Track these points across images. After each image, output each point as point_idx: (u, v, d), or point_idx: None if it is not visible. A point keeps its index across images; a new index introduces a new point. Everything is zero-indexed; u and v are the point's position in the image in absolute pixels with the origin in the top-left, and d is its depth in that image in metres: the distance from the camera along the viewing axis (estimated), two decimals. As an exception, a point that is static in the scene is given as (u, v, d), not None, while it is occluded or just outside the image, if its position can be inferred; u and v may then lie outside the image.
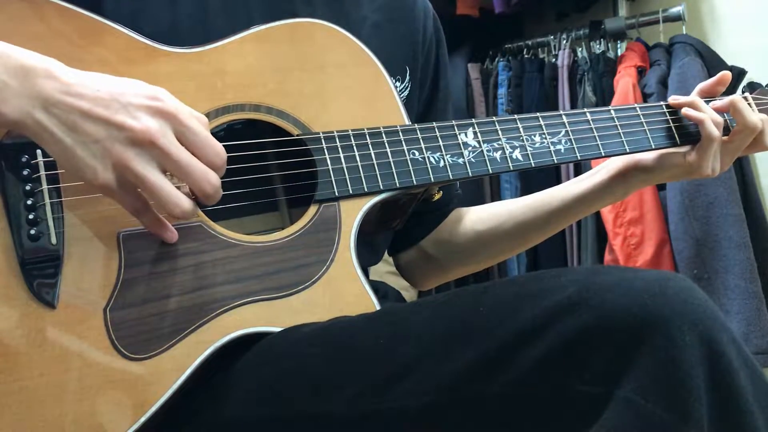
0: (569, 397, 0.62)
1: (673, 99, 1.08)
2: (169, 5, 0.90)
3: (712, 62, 2.14)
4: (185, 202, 0.72)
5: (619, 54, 2.30)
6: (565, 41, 2.42)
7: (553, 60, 2.43)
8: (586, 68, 2.32)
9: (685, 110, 1.06)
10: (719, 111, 1.07)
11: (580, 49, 2.39)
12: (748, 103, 1.12)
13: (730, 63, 2.16)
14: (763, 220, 2.12)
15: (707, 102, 1.09)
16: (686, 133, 1.07)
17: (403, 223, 1.02)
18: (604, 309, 0.62)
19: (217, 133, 0.86)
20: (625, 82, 2.16)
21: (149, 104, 0.71)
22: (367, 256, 1.05)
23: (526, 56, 2.53)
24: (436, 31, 1.13)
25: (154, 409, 0.75)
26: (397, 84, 1.04)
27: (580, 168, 2.30)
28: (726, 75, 1.11)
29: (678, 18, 2.23)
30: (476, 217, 1.17)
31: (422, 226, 1.15)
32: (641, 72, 2.20)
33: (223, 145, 0.83)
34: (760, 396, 0.61)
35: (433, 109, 1.13)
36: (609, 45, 2.36)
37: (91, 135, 0.69)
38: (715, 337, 0.61)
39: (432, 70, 1.12)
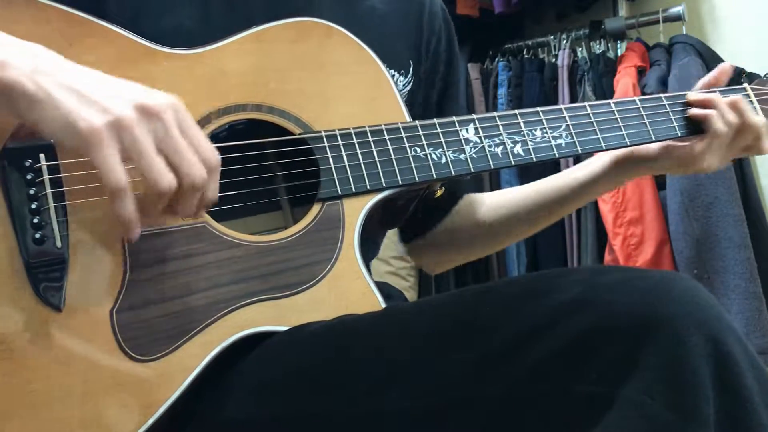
0: (574, 397, 0.62)
1: (693, 95, 1.07)
2: (171, 6, 0.90)
3: (712, 62, 2.14)
4: (171, 177, 0.70)
5: (619, 54, 2.30)
6: (565, 41, 2.43)
7: (553, 60, 2.43)
8: (586, 68, 2.32)
9: (691, 110, 1.06)
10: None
11: (580, 49, 2.39)
12: (747, 94, 1.11)
13: (730, 63, 2.16)
14: (763, 220, 2.12)
15: (717, 92, 1.08)
16: (686, 125, 1.07)
17: (404, 221, 1.02)
18: (609, 309, 0.62)
19: (218, 134, 0.86)
20: (625, 82, 2.16)
21: (155, 92, 0.71)
22: (368, 253, 1.05)
23: (526, 56, 2.53)
24: (446, 30, 1.12)
25: (161, 410, 0.75)
26: (400, 78, 1.04)
27: (579, 160, 2.29)
28: (725, 67, 1.11)
29: (678, 18, 2.24)
30: (485, 207, 1.17)
31: (433, 216, 1.15)
32: (641, 72, 2.21)
33: (225, 146, 0.83)
34: (766, 395, 0.61)
35: (446, 98, 1.13)
36: (609, 45, 2.36)
37: (94, 93, 0.68)
38: (720, 337, 0.61)
39: (444, 67, 1.11)
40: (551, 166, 2.36)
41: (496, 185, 2.49)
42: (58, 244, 0.75)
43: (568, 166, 2.29)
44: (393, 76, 1.02)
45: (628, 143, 1.02)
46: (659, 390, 0.59)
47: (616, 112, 1.03)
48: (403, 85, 1.05)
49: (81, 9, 0.81)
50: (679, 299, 0.61)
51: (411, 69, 1.06)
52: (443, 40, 1.11)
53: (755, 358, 0.62)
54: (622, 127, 1.02)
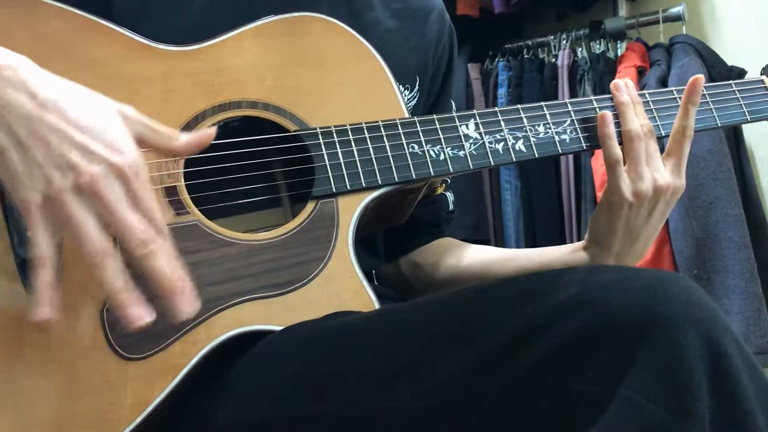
0: (570, 396, 0.62)
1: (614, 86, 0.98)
2: (174, 4, 0.90)
3: (712, 62, 2.14)
4: (120, 275, 0.66)
5: (619, 54, 2.30)
6: (565, 41, 2.42)
7: (553, 60, 2.43)
8: (586, 68, 2.32)
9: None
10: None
11: (580, 49, 2.39)
12: (765, 86, 1.09)
13: (730, 63, 2.16)
14: (763, 220, 2.12)
15: (733, 84, 1.06)
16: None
17: (406, 217, 1.01)
18: (606, 308, 0.61)
19: None
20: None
21: (108, 156, 0.67)
22: (368, 260, 1.05)
23: (526, 56, 2.53)
24: (450, 44, 1.12)
25: (150, 408, 0.74)
26: (406, 93, 1.03)
27: (579, 161, 2.29)
28: (698, 78, 1.01)
29: (678, 18, 2.23)
30: (455, 260, 1.12)
31: (404, 244, 1.13)
32: (641, 72, 2.20)
33: (221, 143, 0.83)
34: (761, 396, 0.61)
35: (438, 100, 1.12)
36: (609, 45, 2.36)
37: (35, 157, 0.65)
38: (716, 336, 0.60)
39: (439, 83, 1.11)
40: (553, 167, 2.37)
41: (496, 187, 2.49)
42: None
43: (567, 164, 2.30)
44: (399, 90, 1.02)
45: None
46: (655, 389, 0.59)
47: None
48: (408, 99, 1.04)
49: (87, 8, 0.81)
50: (676, 299, 0.61)
51: (417, 84, 1.06)
52: (445, 59, 1.11)
53: (751, 358, 0.62)
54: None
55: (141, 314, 0.67)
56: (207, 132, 0.76)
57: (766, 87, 1.09)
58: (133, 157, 0.68)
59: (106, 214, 0.66)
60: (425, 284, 1.14)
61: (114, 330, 0.75)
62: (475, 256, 1.12)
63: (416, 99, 1.06)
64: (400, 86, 1.01)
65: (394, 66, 0.96)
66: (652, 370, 0.59)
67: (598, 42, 2.36)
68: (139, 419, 0.74)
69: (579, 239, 2.26)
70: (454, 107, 1.16)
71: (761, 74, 1.12)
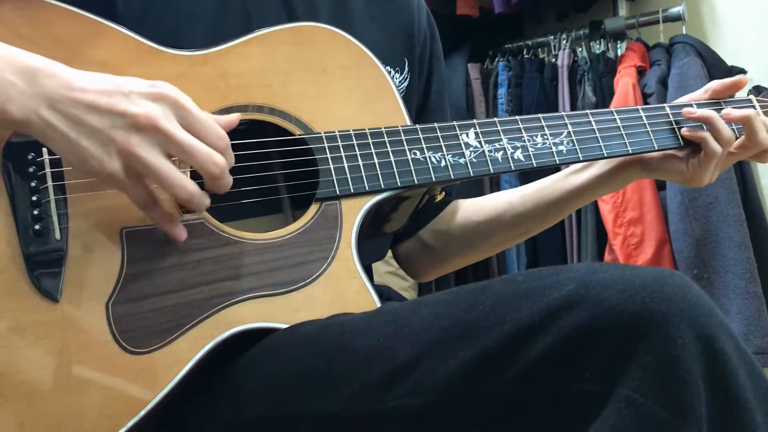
0: (568, 395, 0.62)
1: (688, 112, 1.06)
2: (176, 8, 0.91)
3: (712, 62, 2.14)
4: (191, 185, 0.73)
5: (619, 54, 2.30)
6: (565, 41, 2.42)
7: (553, 60, 2.42)
8: (586, 68, 2.31)
9: (684, 131, 1.06)
10: (732, 121, 1.05)
11: (580, 49, 2.39)
12: (753, 106, 1.10)
13: (730, 63, 2.16)
14: (763, 220, 2.12)
15: (722, 103, 1.08)
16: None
17: (404, 224, 1.02)
18: (602, 307, 0.62)
19: None
20: (625, 82, 2.16)
21: (150, 91, 0.72)
22: (370, 253, 1.05)
23: (526, 56, 2.52)
24: (429, 25, 1.14)
25: (154, 403, 0.75)
26: (397, 75, 1.05)
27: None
28: (743, 80, 1.10)
29: (678, 18, 2.23)
30: (474, 209, 1.16)
31: (420, 217, 1.14)
32: (641, 72, 2.20)
33: None
34: (758, 393, 0.61)
35: (428, 102, 1.13)
36: (609, 45, 2.36)
37: (94, 126, 0.70)
38: (713, 334, 0.61)
39: (427, 63, 1.13)
40: (553, 169, 2.37)
41: (496, 185, 2.49)
42: (57, 236, 0.76)
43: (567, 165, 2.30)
44: (389, 73, 1.03)
45: (630, 151, 1.02)
46: (652, 388, 0.59)
47: (618, 119, 1.03)
48: (400, 82, 1.05)
49: (90, 8, 0.82)
50: (671, 297, 0.61)
51: (407, 65, 1.07)
52: (428, 42, 1.13)
53: (748, 355, 0.62)
54: (624, 135, 1.02)
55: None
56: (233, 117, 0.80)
57: (754, 106, 1.10)
58: (172, 88, 0.73)
59: (168, 145, 0.71)
60: (453, 246, 1.17)
61: (119, 324, 0.76)
62: (495, 203, 1.15)
63: (408, 81, 1.07)
64: (390, 69, 1.03)
65: (383, 52, 0.97)
66: (650, 368, 0.59)
67: (598, 42, 2.36)
68: (142, 413, 0.75)
69: (579, 240, 2.29)
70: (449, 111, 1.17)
71: (748, 94, 1.13)
